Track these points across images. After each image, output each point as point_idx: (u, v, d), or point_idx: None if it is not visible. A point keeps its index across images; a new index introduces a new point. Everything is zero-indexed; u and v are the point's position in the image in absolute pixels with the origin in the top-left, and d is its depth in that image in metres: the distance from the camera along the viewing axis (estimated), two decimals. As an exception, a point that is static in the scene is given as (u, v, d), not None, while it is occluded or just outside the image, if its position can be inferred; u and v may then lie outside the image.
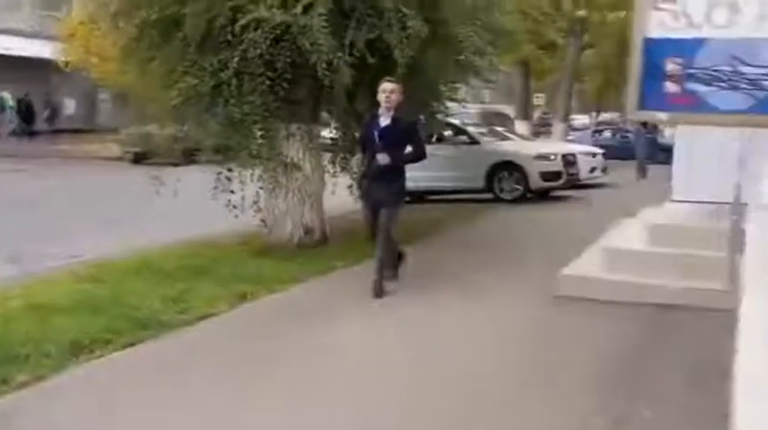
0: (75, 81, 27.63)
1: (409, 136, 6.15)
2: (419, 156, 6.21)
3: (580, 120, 35.12)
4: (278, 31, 6.67)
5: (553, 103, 38.58)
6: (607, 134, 27.36)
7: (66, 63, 25.08)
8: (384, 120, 5.97)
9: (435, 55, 7.46)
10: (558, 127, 20.94)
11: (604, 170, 15.67)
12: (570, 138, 21.59)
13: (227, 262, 7.39)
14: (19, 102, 27.92)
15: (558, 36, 17.29)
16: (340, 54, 6.59)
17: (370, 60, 6.76)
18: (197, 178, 7.96)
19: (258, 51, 6.67)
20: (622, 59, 23.50)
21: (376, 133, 5.96)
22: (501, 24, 8.43)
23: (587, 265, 6.09)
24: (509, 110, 22.10)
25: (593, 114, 34.33)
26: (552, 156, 13.15)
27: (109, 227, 10.04)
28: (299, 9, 6.48)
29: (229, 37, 6.83)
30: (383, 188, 5.99)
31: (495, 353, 4.69)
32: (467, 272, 6.96)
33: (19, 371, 4.29)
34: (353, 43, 6.73)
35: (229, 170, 7.97)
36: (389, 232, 6.05)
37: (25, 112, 27.92)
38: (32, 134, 27.71)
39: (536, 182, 12.84)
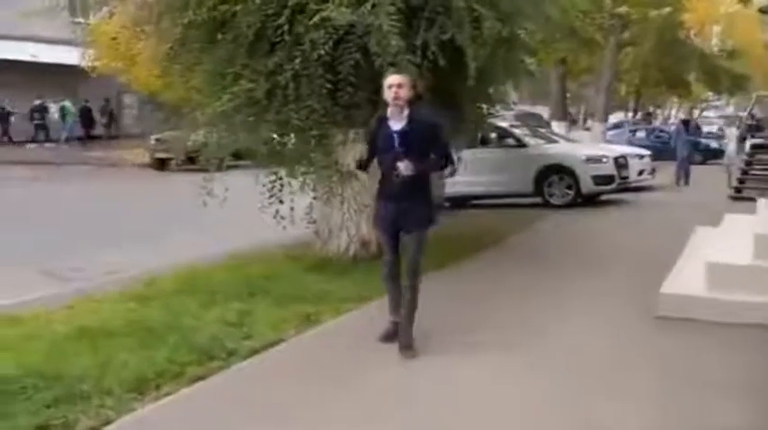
0: (102, 87, 27.38)
1: (432, 139, 4.82)
2: (446, 162, 5.10)
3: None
4: (341, 32, 6.20)
5: (577, 102, 38.12)
6: (641, 134, 26.73)
7: (93, 68, 24.86)
8: (397, 123, 4.71)
9: (503, 55, 6.95)
10: (596, 127, 20.33)
11: (652, 172, 15.09)
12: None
13: (280, 278, 6.95)
14: (81, 109, 29.21)
15: (597, 34, 16.69)
16: (409, 56, 6.08)
17: (442, 63, 6.25)
18: (233, 186, 7.51)
19: (320, 53, 6.19)
20: (663, 57, 23.00)
21: (396, 137, 4.68)
22: (564, 21, 7.90)
23: (687, 282, 5.55)
24: (538, 111, 21.61)
25: (629, 114, 33.49)
26: (604, 159, 12.59)
27: (144, 238, 9.68)
28: (367, 7, 5.98)
29: (286, 37, 6.36)
30: (407, 207, 4.74)
31: (618, 388, 4.15)
32: (544, 289, 6.44)
33: (82, 412, 3.83)
34: (426, 44, 6.23)
35: (280, 179, 7.55)
36: (418, 267, 4.84)
37: (86, 119, 29.39)
38: (93, 138, 29.32)
39: (588, 186, 12.30)
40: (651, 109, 39.60)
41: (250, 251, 8.26)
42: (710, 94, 33.66)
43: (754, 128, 23.44)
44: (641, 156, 14.72)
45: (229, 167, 7.78)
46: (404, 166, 4.60)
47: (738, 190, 13.37)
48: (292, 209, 7.47)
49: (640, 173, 14.39)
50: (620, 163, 12.83)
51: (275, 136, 7.49)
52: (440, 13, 6.33)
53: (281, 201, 7.48)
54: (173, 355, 4.65)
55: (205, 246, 8.66)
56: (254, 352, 4.87)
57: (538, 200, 12.48)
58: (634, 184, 14.01)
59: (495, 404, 4.00)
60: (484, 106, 8.64)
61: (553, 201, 12.37)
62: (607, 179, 12.45)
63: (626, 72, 24.74)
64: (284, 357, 4.86)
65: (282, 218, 7.44)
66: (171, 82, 8.85)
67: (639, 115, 35.89)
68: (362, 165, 5.29)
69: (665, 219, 11.02)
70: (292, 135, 7.43)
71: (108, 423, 3.76)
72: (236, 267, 7.44)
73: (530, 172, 12.32)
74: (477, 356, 4.74)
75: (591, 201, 12.61)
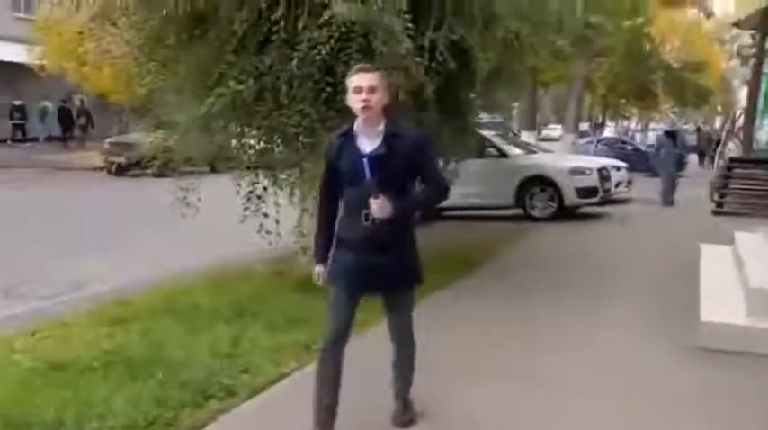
0: (50, 87, 26.16)
1: (419, 162, 3.46)
2: (440, 193, 3.58)
3: (556, 131, 33.70)
4: (343, 29, 5.63)
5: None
6: (603, 146, 26.65)
7: (42, 67, 23.75)
8: (369, 142, 3.40)
9: (512, 60, 6.49)
10: (566, 137, 20.08)
11: (629, 184, 14.86)
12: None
13: (267, 298, 6.36)
14: (59, 110, 28.08)
15: (569, 44, 16.39)
16: (418, 59, 5.56)
17: (451, 65, 5.75)
18: (203, 192, 6.88)
19: (322, 53, 5.60)
20: (631, 68, 22.98)
21: (365, 163, 3.30)
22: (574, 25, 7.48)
23: (727, 309, 5.12)
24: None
25: (593, 125, 33.46)
26: (588, 171, 12.24)
27: (108, 248, 8.91)
28: (378, 4, 5.41)
29: (282, 34, 5.77)
30: (381, 264, 3.42)
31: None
32: (561, 313, 5.98)
33: (65, 475, 3.19)
34: (434, 45, 5.70)
35: (264, 188, 6.94)
36: (410, 335, 3.71)
37: (65, 120, 28.27)
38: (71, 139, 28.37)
39: (571, 198, 11.92)
40: (600, 119, 39.74)
41: (229, 265, 7.67)
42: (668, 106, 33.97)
43: (715, 143, 23.70)
44: (618, 168, 14.45)
45: (183, 173, 7.16)
46: (378, 207, 3.28)
47: (720, 204, 13.20)
48: (278, 222, 6.85)
49: (617, 185, 14.12)
50: (604, 175, 12.53)
51: (261, 142, 6.87)
52: (449, 12, 5.81)
53: (265, 214, 6.86)
54: (163, 395, 4.03)
55: (176, 258, 8.04)
56: (256, 390, 4.27)
57: (518, 212, 12.07)
58: (613, 197, 13.74)
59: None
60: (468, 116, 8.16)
61: (535, 213, 11.97)
62: (591, 191, 12.11)
63: (597, 82, 24.67)
64: (290, 396, 4.23)
65: (268, 232, 6.81)
66: (130, 82, 8.14)
67: (589, 126, 35.94)
68: (323, 205, 3.64)
69: (653, 234, 10.72)
70: (279, 141, 6.83)
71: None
72: (216, 285, 6.85)
73: (511, 183, 11.89)
74: (510, 406, 4.23)
75: (571, 214, 12.25)
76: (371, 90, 3.35)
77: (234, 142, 7.14)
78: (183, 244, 8.67)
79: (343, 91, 5.89)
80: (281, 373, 4.55)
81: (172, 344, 5.00)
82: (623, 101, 28.69)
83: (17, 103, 27.11)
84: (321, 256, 3.61)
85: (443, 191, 3.59)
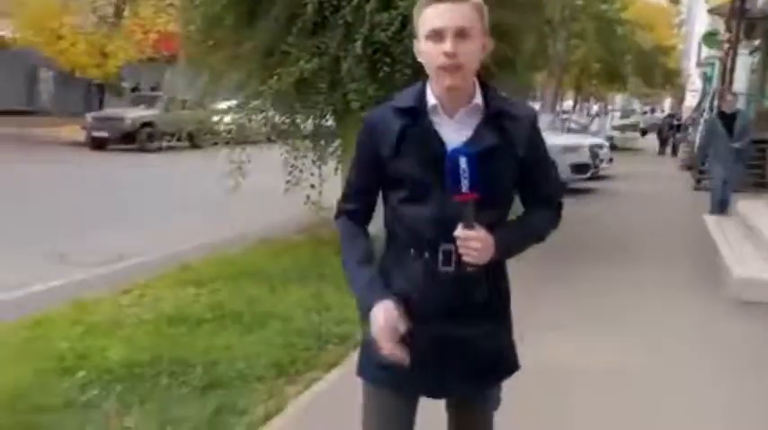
0: (14, 59, 25.79)
1: (533, 158, 1.95)
2: (556, 219, 2.08)
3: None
4: (407, 13, 6.11)
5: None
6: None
7: (15, 40, 23.44)
8: (456, 126, 1.89)
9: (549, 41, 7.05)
10: (544, 118, 20.73)
11: (611, 161, 15.69)
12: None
13: (323, 263, 6.58)
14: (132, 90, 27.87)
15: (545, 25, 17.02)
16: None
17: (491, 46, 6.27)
18: (188, 165, 7.18)
19: (387, 35, 6.07)
20: (604, 51, 23.72)
21: (463, 166, 1.75)
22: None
23: (756, 267, 5.85)
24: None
25: (571, 105, 34.25)
26: (581, 148, 12.97)
27: (133, 222, 9.03)
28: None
29: (348, 18, 6.23)
30: (475, 337, 1.94)
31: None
32: (597, 280, 6.66)
33: (245, 397, 3.68)
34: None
35: (313, 162, 7.39)
36: None
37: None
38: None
39: (566, 175, 12.60)
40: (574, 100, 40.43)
41: (265, 235, 8.01)
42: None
43: (675, 127, 24.69)
44: (601, 146, 15.25)
45: (170, 148, 7.46)
46: (479, 245, 1.81)
47: (699, 181, 14.09)
48: (320, 192, 7.26)
49: (601, 161, 14.92)
50: (594, 151, 13.27)
51: (311, 118, 7.33)
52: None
53: (312, 186, 7.31)
54: (287, 341, 4.51)
55: (207, 232, 8.21)
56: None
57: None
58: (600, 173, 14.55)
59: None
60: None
61: (528, 189, 12.60)
62: (583, 168, 12.83)
63: (573, 64, 25.46)
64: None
65: (314, 203, 7.26)
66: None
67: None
68: (348, 238, 2.09)
69: (646, 208, 11.47)
70: (330, 117, 7.32)
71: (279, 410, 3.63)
72: (268, 253, 7.24)
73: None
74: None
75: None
76: (462, 34, 1.82)
77: (280, 118, 7.57)
78: (207, 219, 8.99)
79: (401, 69, 6.48)
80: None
81: (263, 302, 5.43)
82: (594, 82, 29.66)
83: (96, 82, 27.48)
84: (377, 293, 1.90)
85: (559, 214, 2.09)
